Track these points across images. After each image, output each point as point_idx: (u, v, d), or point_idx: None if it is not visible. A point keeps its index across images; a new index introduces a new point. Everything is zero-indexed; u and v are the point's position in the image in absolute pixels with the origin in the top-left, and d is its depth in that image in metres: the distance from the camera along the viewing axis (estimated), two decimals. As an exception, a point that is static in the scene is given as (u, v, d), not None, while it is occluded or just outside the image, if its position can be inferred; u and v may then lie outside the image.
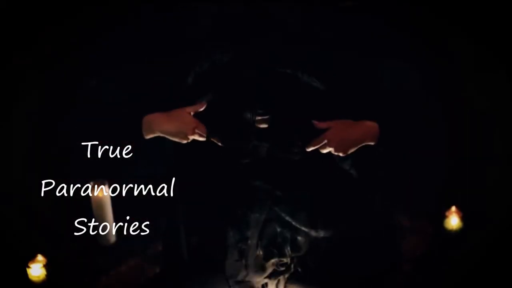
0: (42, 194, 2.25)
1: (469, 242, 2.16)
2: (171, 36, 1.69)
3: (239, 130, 1.67)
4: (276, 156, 1.68)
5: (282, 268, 1.79)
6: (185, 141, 1.67)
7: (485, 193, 2.29)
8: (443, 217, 2.22)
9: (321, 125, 1.65)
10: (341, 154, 1.65)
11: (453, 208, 2.21)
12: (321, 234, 1.73)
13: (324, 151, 1.66)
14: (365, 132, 1.66)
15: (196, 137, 1.66)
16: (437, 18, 1.82)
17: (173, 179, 1.81)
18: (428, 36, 1.71)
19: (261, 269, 1.77)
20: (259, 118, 1.65)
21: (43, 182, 2.25)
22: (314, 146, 1.65)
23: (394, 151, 1.83)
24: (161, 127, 1.65)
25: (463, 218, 2.20)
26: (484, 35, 2.14)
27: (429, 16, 1.77)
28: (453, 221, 2.20)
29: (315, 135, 1.66)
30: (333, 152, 1.65)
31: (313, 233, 1.73)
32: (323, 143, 1.64)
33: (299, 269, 1.77)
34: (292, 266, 1.78)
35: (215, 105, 1.68)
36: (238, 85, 1.66)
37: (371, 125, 1.66)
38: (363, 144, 1.66)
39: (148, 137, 1.67)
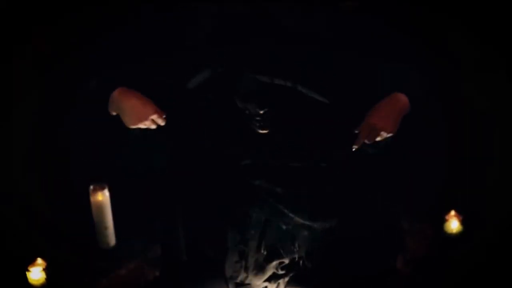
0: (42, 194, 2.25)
1: (470, 243, 2.16)
2: (171, 36, 1.69)
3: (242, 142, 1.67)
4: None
5: (282, 271, 1.78)
6: (133, 126, 1.66)
7: (485, 193, 2.28)
8: (443, 218, 2.22)
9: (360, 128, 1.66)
10: (390, 134, 1.65)
11: (453, 212, 2.21)
12: (326, 225, 1.73)
13: (370, 139, 1.65)
14: (401, 103, 1.66)
15: (147, 124, 1.65)
16: (437, 19, 1.82)
17: (173, 179, 1.81)
18: (428, 36, 1.71)
19: (261, 271, 1.77)
20: (260, 123, 1.65)
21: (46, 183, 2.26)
22: (362, 139, 1.65)
23: (393, 151, 1.83)
24: (122, 102, 1.65)
25: (462, 221, 2.20)
26: (484, 35, 2.14)
27: (429, 16, 1.77)
28: (453, 224, 2.20)
29: (319, 140, 1.66)
30: (385, 134, 1.64)
31: (317, 225, 1.72)
32: (370, 129, 1.63)
33: (308, 265, 1.77)
34: (300, 263, 1.77)
35: (215, 109, 1.69)
36: (237, 88, 1.66)
37: (401, 96, 1.66)
38: (403, 114, 1.66)
39: (112, 113, 1.67)
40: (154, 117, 1.65)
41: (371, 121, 1.64)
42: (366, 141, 1.66)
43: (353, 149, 1.66)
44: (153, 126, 1.67)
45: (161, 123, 1.67)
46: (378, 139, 1.66)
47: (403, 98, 1.66)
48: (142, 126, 1.67)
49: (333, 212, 1.73)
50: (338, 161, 1.68)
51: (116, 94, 1.65)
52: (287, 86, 1.64)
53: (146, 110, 1.64)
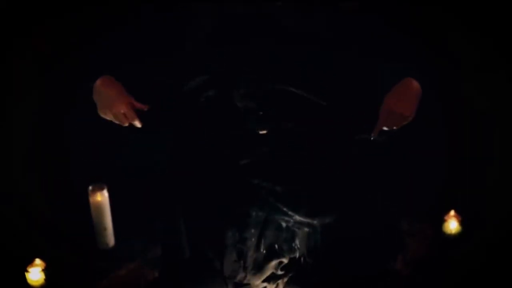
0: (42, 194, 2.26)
1: (469, 243, 2.16)
2: (171, 36, 1.69)
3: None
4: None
5: (281, 272, 1.78)
6: (102, 114, 1.65)
7: (485, 194, 2.29)
8: (443, 218, 2.22)
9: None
10: (410, 118, 1.63)
11: (452, 212, 2.21)
12: (326, 220, 1.72)
13: (389, 125, 1.64)
14: (414, 87, 1.64)
15: (116, 117, 1.64)
16: (437, 19, 1.83)
17: (173, 179, 1.81)
18: (428, 36, 1.71)
19: (260, 271, 1.77)
20: (258, 125, 1.65)
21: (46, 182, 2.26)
22: (381, 125, 1.63)
23: (393, 151, 1.83)
24: (100, 89, 1.64)
25: (462, 222, 2.20)
26: (484, 35, 2.15)
27: (429, 16, 1.77)
28: (452, 225, 2.20)
29: (319, 139, 1.66)
30: (403, 115, 1.62)
31: (317, 221, 1.72)
32: (389, 115, 1.62)
33: (309, 261, 1.76)
34: (301, 259, 1.77)
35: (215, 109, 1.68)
36: (237, 88, 1.66)
37: (413, 81, 1.64)
38: (419, 99, 1.64)
39: (94, 98, 1.67)
40: (125, 110, 1.64)
41: (390, 106, 1.62)
42: (385, 128, 1.64)
43: (371, 137, 1.65)
44: (125, 124, 1.66)
45: (134, 121, 1.66)
46: (395, 127, 1.64)
47: (415, 82, 1.65)
48: (112, 118, 1.65)
49: (333, 209, 1.73)
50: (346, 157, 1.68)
51: (98, 81, 1.65)
52: (287, 87, 1.64)
53: (118, 102, 1.63)
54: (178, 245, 1.81)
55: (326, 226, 1.73)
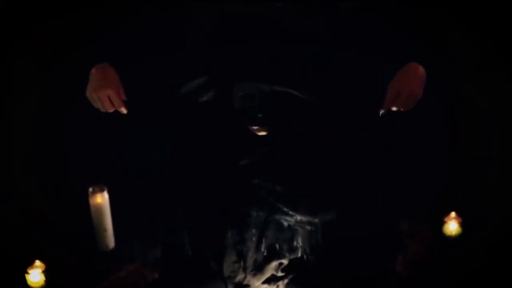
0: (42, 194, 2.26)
1: (469, 243, 2.16)
2: (171, 36, 1.69)
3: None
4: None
5: (282, 273, 1.78)
6: (88, 95, 1.64)
7: (485, 194, 2.29)
8: (443, 219, 2.22)
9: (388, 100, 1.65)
10: (417, 98, 1.63)
11: (453, 214, 2.21)
12: (326, 218, 1.72)
13: (398, 105, 1.64)
14: (419, 70, 1.64)
15: (101, 100, 1.64)
16: (437, 19, 1.83)
17: (173, 179, 1.81)
18: (428, 36, 1.72)
19: (260, 272, 1.77)
20: (257, 127, 1.65)
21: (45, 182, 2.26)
22: (389, 104, 1.63)
23: (393, 151, 1.83)
24: (92, 73, 1.64)
25: (462, 224, 2.19)
26: (485, 35, 2.15)
27: (429, 16, 1.78)
28: (452, 226, 2.20)
29: (319, 139, 1.66)
30: (412, 93, 1.62)
31: (317, 220, 1.72)
32: (397, 95, 1.62)
33: (311, 259, 1.76)
34: (304, 257, 1.77)
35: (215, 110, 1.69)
36: (236, 89, 1.66)
37: (417, 65, 1.65)
38: (424, 82, 1.65)
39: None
40: (110, 94, 1.63)
41: (397, 87, 1.62)
42: (394, 108, 1.64)
43: (380, 113, 1.65)
44: (110, 109, 1.65)
45: (119, 108, 1.65)
46: (403, 108, 1.64)
47: (420, 67, 1.65)
48: (98, 102, 1.65)
49: (333, 208, 1.73)
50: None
51: (94, 68, 1.65)
52: (286, 89, 1.64)
53: (106, 86, 1.63)
54: (178, 245, 1.81)
55: (326, 226, 1.73)
